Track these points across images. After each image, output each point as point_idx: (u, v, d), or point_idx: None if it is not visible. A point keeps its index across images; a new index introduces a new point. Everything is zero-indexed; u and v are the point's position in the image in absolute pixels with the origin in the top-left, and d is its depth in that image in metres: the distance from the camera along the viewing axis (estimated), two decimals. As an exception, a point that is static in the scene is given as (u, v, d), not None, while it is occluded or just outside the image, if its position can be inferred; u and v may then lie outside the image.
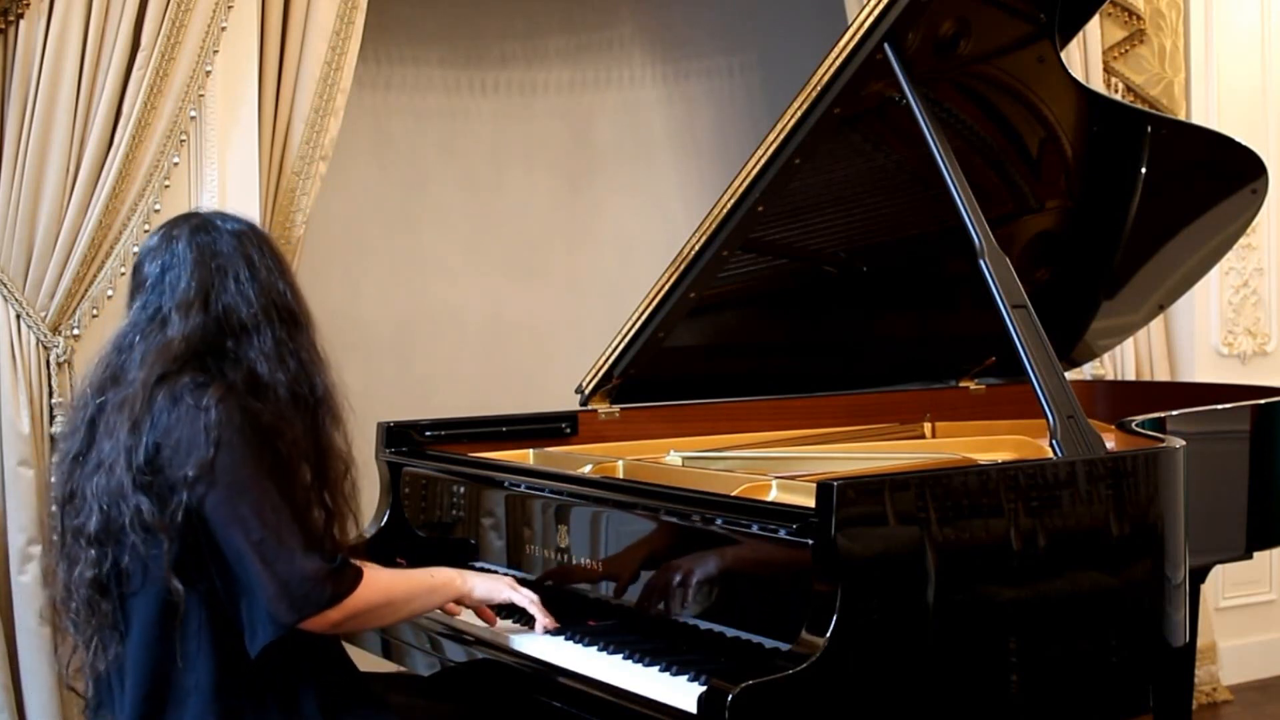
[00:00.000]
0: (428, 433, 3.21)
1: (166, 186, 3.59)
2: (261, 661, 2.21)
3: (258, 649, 2.19)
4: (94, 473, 2.26)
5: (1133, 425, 2.81)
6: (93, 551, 2.25)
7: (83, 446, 2.31)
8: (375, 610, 2.33)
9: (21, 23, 3.40)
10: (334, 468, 2.35)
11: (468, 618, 2.64)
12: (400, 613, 2.47)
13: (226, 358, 2.28)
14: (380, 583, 2.33)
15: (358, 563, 2.32)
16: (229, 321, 2.29)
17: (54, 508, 2.39)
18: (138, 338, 2.30)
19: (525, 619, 2.57)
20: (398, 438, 3.18)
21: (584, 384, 3.36)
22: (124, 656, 2.27)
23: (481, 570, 2.85)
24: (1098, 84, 4.54)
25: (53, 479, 2.40)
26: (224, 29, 3.63)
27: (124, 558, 2.23)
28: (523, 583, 2.64)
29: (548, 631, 2.52)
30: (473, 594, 2.51)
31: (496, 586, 2.53)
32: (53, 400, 3.48)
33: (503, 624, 2.61)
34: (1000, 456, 3.08)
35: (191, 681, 2.22)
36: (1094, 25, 4.58)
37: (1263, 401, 3.20)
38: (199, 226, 2.36)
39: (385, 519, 3.13)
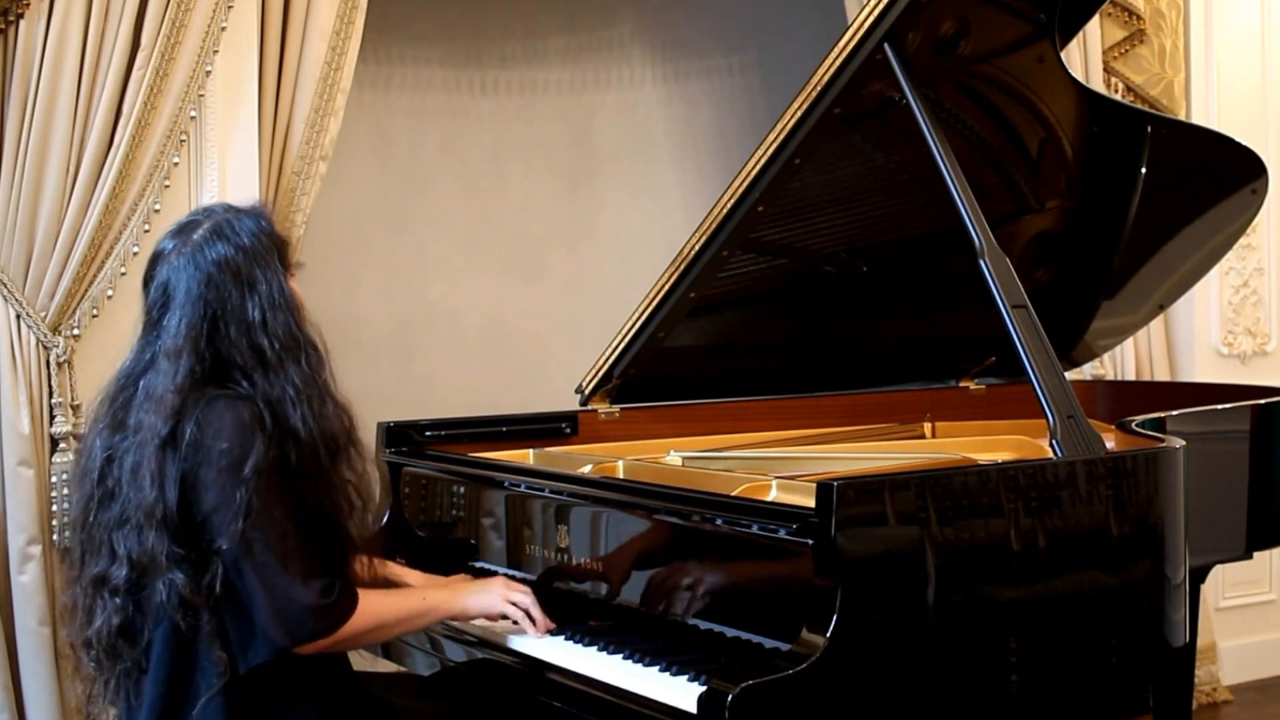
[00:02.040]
0: (428, 433, 3.21)
1: (166, 186, 3.59)
2: (260, 672, 2.23)
3: (248, 667, 2.23)
4: (119, 525, 2.25)
5: (1133, 425, 2.80)
6: (117, 600, 2.26)
7: (99, 491, 2.30)
8: (367, 634, 2.37)
9: (21, 23, 3.40)
10: (342, 502, 2.33)
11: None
12: (391, 634, 2.55)
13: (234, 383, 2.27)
14: (372, 609, 2.35)
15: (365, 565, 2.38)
16: (220, 365, 2.27)
17: (71, 543, 2.37)
18: (137, 379, 2.30)
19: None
20: (398, 438, 3.18)
21: (584, 384, 3.36)
22: (143, 685, 2.29)
23: (481, 570, 2.85)
24: (1098, 84, 4.54)
25: (67, 503, 2.40)
26: (224, 29, 3.63)
27: (150, 601, 2.23)
28: (523, 582, 2.64)
29: (547, 632, 2.52)
30: (466, 613, 2.53)
31: (490, 601, 2.52)
32: (53, 400, 3.48)
33: (503, 624, 2.61)
34: (1000, 456, 3.08)
35: (204, 687, 2.23)
36: (1094, 25, 4.57)
37: (1263, 401, 3.20)
38: (195, 250, 2.30)
39: (385, 519, 3.13)
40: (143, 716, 2.27)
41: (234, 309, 2.27)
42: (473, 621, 2.61)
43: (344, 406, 2.36)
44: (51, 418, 3.48)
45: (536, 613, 2.53)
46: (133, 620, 2.26)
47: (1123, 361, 4.71)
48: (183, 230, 2.35)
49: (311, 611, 2.21)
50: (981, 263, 2.67)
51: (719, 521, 2.35)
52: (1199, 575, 3.11)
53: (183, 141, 3.62)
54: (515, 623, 2.53)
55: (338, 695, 2.35)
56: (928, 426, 3.68)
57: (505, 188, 5.36)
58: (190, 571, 2.19)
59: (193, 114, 3.62)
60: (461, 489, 2.97)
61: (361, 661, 2.74)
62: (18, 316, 3.43)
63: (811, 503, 2.15)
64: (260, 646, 2.22)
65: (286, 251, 2.38)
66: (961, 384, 3.86)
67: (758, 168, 2.97)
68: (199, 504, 2.20)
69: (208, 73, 3.62)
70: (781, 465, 3.03)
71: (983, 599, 2.25)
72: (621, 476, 2.94)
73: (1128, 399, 3.82)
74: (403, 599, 2.50)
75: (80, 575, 2.32)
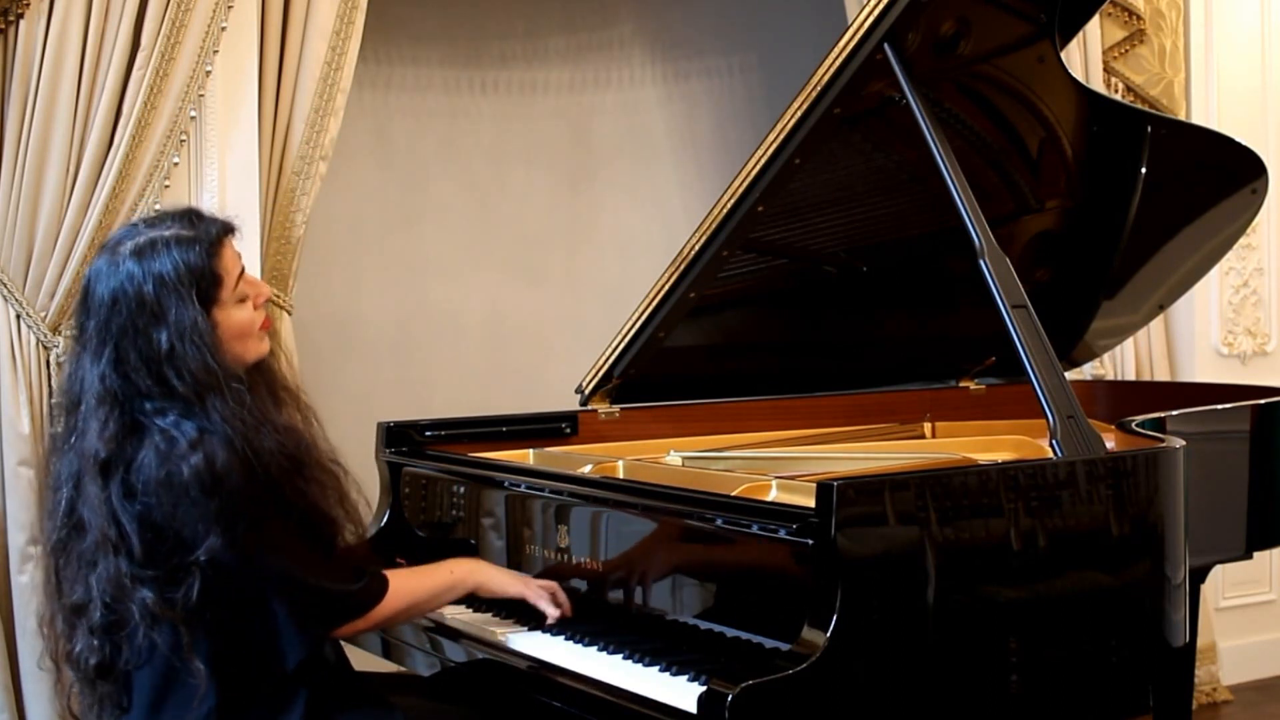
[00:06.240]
0: (428, 433, 3.21)
1: (166, 186, 3.59)
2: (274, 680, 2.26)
3: (292, 666, 2.25)
4: (91, 560, 2.22)
5: (1133, 425, 2.80)
6: (95, 641, 2.24)
7: (69, 520, 2.27)
8: (401, 614, 2.45)
9: (21, 23, 3.40)
10: (317, 510, 2.33)
11: (466, 617, 2.65)
12: (424, 610, 2.58)
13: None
14: (405, 589, 2.42)
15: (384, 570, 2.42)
16: (137, 396, 2.24)
17: (47, 555, 2.36)
18: (78, 399, 2.27)
19: (529, 616, 2.59)
20: (398, 438, 3.18)
21: (584, 384, 3.36)
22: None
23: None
24: (1098, 84, 4.54)
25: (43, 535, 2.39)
26: (224, 29, 3.63)
27: (129, 643, 2.23)
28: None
29: (547, 629, 2.53)
30: (490, 585, 2.58)
31: (515, 583, 2.59)
32: (53, 400, 3.47)
33: (504, 624, 2.61)
34: (1000, 456, 3.08)
35: (204, 709, 2.24)
36: (1094, 25, 4.57)
37: (1263, 401, 3.20)
38: (110, 271, 2.25)
39: (385, 519, 3.13)
40: None
41: (141, 338, 2.22)
42: (472, 623, 2.62)
43: (288, 430, 2.32)
44: (52, 418, 3.47)
45: (562, 596, 2.57)
46: (110, 662, 2.25)
47: (1123, 361, 4.71)
48: (103, 249, 2.32)
49: (340, 597, 2.29)
50: (981, 263, 2.67)
51: (719, 521, 2.35)
52: (1199, 575, 3.11)
53: (183, 141, 3.62)
54: (519, 618, 2.53)
55: (332, 687, 2.36)
56: (928, 427, 3.68)
57: (505, 188, 5.37)
58: (158, 588, 2.18)
59: (193, 114, 3.62)
60: (461, 489, 2.97)
61: (362, 662, 2.74)
62: (18, 316, 3.44)
63: (811, 503, 2.15)
64: (297, 646, 2.25)
65: (213, 286, 2.28)
66: (961, 384, 3.86)
67: (758, 168, 2.97)
68: (165, 523, 2.18)
69: (208, 73, 3.62)
70: (781, 465, 3.03)
71: (983, 599, 2.25)
72: (621, 476, 2.94)
73: (1128, 399, 3.81)
74: (429, 574, 2.55)
75: (60, 597, 2.31)
